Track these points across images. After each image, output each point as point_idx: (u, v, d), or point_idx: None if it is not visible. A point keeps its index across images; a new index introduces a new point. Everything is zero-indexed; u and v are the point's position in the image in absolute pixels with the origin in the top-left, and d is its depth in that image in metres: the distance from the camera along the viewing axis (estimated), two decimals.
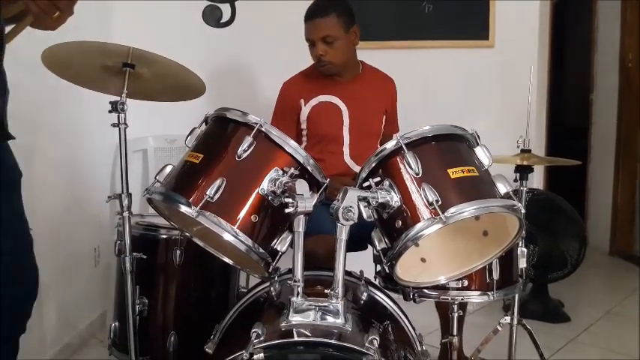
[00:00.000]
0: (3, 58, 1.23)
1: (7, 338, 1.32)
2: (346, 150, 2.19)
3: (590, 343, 2.61)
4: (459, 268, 1.44)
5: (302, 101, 2.16)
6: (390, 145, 1.33)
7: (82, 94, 1.69)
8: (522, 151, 1.93)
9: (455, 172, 1.29)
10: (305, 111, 2.17)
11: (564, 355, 2.46)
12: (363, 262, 1.65)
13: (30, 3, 1.12)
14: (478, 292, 1.56)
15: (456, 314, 1.67)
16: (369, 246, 1.52)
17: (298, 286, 1.26)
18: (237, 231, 1.29)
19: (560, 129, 4.63)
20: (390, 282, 1.53)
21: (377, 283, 1.59)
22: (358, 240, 1.50)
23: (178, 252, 1.73)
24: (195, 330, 1.66)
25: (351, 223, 1.23)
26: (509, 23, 2.92)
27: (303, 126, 2.19)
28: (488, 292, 1.56)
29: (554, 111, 4.14)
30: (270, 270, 1.38)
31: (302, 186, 1.26)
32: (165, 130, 2.82)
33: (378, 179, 1.33)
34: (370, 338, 1.17)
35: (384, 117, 2.27)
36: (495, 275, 1.55)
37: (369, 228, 1.38)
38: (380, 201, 1.29)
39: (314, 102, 2.16)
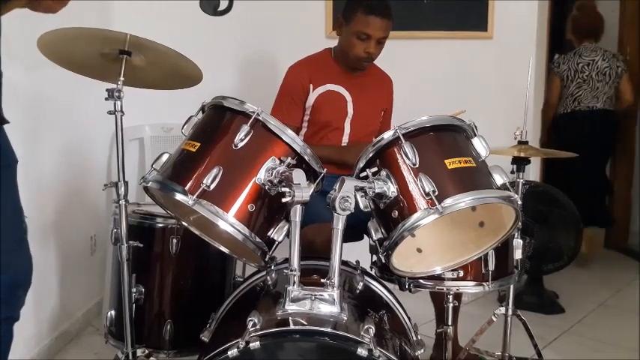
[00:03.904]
0: None
1: (2, 326, 1.32)
2: (345, 140, 2.18)
3: (584, 334, 2.63)
4: (454, 259, 1.44)
5: (311, 86, 2.13)
6: (387, 135, 1.33)
7: (79, 80, 1.68)
8: (519, 142, 1.93)
9: (452, 163, 1.29)
10: (312, 97, 2.13)
11: (558, 346, 2.48)
12: (359, 252, 1.65)
13: None
14: (473, 283, 1.56)
15: (451, 304, 1.68)
16: (365, 236, 1.53)
17: (294, 275, 1.26)
18: (234, 220, 1.29)
19: None
20: (385, 272, 1.53)
21: (373, 272, 1.60)
22: (354, 230, 1.50)
23: (175, 241, 1.73)
24: (192, 318, 1.67)
25: (348, 212, 1.24)
26: (508, 15, 2.91)
27: (307, 112, 2.17)
28: (484, 283, 1.57)
29: None
30: (266, 259, 1.39)
31: (299, 175, 1.26)
32: (161, 118, 2.81)
33: (375, 169, 1.34)
34: (366, 327, 1.17)
35: (382, 115, 2.28)
36: (491, 266, 1.55)
37: (366, 218, 1.39)
38: (377, 191, 1.29)
39: (322, 89, 2.13)
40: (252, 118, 1.33)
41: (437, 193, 1.23)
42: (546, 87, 3.55)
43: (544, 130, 3.51)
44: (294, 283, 1.26)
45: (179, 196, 1.30)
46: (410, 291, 1.52)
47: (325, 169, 1.41)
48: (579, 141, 3.38)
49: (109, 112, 1.52)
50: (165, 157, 1.41)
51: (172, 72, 1.63)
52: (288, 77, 2.17)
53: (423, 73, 2.94)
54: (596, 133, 3.49)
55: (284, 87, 2.17)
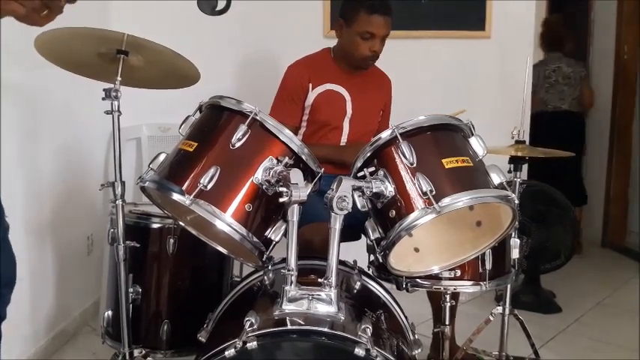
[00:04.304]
0: None
1: None
2: (344, 140, 2.18)
3: (581, 333, 2.64)
4: (452, 258, 1.44)
5: (310, 85, 2.13)
6: (385, 134, 1.33)
7: (76, 80, 1.67)
8: (517, 142, 1.93)
9: (449, 162, 1.29)
10: (311, 96, 2.13)
11: (555, 345, 2.48)
12: (356, 252, 1.65)
13: (17, 6, 1.09)
14: (471, 282, 1.57)
15: (449, 304, 1.68)
16: (363, 236, 1.53)
17: (292, 275, 1.26)
18: (231, 220, 1.29)
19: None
20: (383, 271, 1.53)
21: (370, 272, 1.60)
22: (352, 230, 1.50)
23: (172, 241, 1.73)
24: (189, 318, 1.66)
25: (346, 212, 1.23)
26: (506, 14, 2.91)
27: (306, 111, 2.16)
28: (481, 283, 1.57)
29: None
30: (263, 259, 1.39)
31: (296, 175, 1.26)
32: (159, 118, 2.81)
33: (372, 169, 1.34)
34: (363, 327, 1.17)
35: (381, 114, 2.28)
36: (488, 265, 1.55)
37: (363, 218, 1.38)
38: (374, 191, 1.29)
39: (321, 89, 2.13)
40: (250, 117, 1.32)
41: (434, 192, 1.23)
42: None
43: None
44: (292, 282, 1.26)
45: (176, 196, 1.29)
46: (407, 290, 1.52)
47: (323, 169, 1.40)
48: (547, 140, 3.58)
49: (107, 112, 1.52)
50: (162, 157, 1.41)
51: (170, 72, 1.63)
52: (288, 77, 2.17)
53: (421, 73, 2.94)
54: (561, 133, 3.77)
55: (283, 86, 2.17)
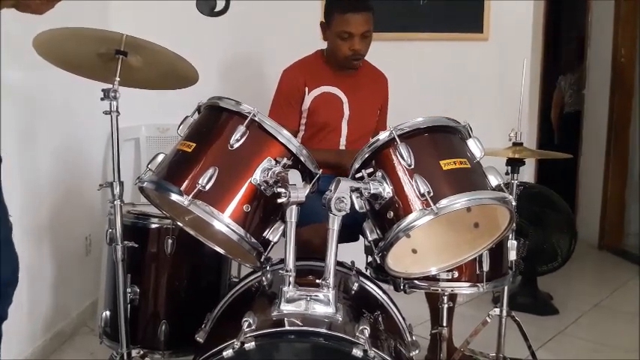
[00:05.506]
0: None
1: None
2: (343, 141, 2.19)
3: (578, 335, 2.64)
4: (449, 260, 1.45)
5: (306, 89, 2.13)
6: (383, 136, 1.34)
7: (75, 81, 1.67)
8: (514, 144, 1.93)
9: (447, 164, 1.30)
10: (307, 99, 2.14)
11: (552, 347, 2.49)
12: (354, 253, 1.66)
13: None
14: (468, 284, 1.57)
15: (446, 305, 1.69)
16: (361, 237, 1.53)
17: (290, 276, 1.26)
18: (229, 220, 1.29)
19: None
20: (381, 272, 1.54)
21: (368, 273, 1.60)
22: (350, 231, 1.50)
23: (170, 241, 1.72)
24: (187, 319, 1.66)
25: (344, 213, 1.24)
26: (504, 16, 2.92)
27: (304, 115, 2.17)
28: (478, 284, 1.57)
29: (546, 105, 4.21)
30: (261, 260, 1.39)
31: (295, 176, 1.26)
32: (157, 119, 2.81)
33: (370, 170, 1.34)
34: (361, 328, 1.18)
35: (378, 113, 2.28)
36: (485, 267, 1.56)
37: (361, 219, 1.39)
38: (372, 192, 1.29)
39: (317, 92, 2.14)
40: (248, 118, 1.33)
41: (432, 194, 1.24)
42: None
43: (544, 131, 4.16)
44: (290, 283, 1.26)
45: (174, 197, 1.30)
46: (405, 292, 1.53)
47: (321, 170, 1.41)
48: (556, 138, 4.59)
49: (105, 113, 1.52)
50: (160, 158, 1.41)
51: (168, 72, 1.63)
52: (284, 81, 2.17)
53: (419, 75, 2.94)
54: (566, 133, 4.56)
55: (280, 91, 2.17)
